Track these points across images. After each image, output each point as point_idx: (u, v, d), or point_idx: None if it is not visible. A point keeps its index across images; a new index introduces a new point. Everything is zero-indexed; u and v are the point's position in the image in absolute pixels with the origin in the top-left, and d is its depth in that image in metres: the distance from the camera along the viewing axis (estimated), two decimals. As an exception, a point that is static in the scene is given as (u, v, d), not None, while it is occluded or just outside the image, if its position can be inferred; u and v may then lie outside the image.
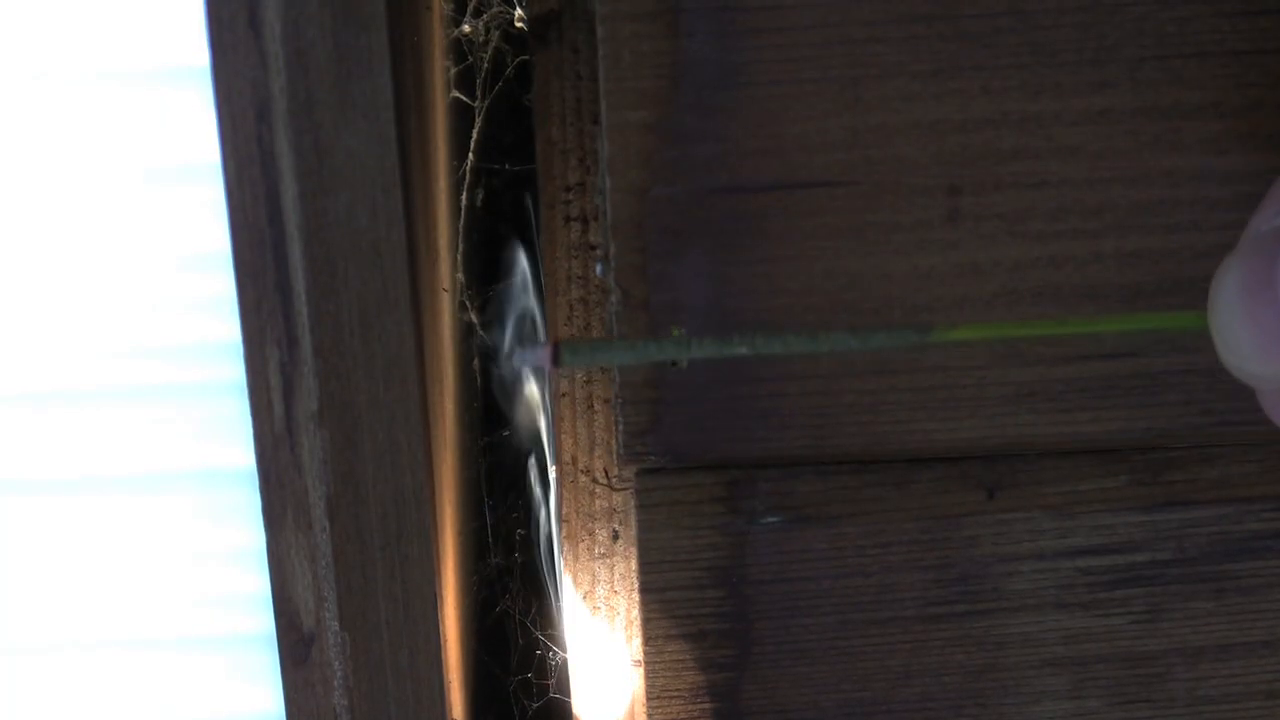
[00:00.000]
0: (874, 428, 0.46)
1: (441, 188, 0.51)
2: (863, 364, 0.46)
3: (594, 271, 0.48)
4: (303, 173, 0.43)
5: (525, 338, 0.51)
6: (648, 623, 0.48)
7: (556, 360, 0.32)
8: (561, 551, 0.51)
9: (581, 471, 0.50)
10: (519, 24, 0.50)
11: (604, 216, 0.46)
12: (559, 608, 0.53)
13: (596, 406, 0.49)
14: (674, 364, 0.46)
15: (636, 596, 0.49)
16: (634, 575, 0.50)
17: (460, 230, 0.53)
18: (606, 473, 0.50)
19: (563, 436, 0.50)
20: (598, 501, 0.50)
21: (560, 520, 0.51)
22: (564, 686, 0.54)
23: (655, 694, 0.49)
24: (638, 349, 0.35)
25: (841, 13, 0.43)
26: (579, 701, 0.53)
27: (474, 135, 0.51)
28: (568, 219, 0.48)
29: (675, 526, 0.48)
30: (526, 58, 0.49)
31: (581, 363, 0.32)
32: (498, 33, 0.51)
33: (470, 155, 0.52)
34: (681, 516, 0.48)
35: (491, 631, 0.57)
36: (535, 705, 0.56)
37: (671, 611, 0.48)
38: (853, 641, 0.49)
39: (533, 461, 0.54)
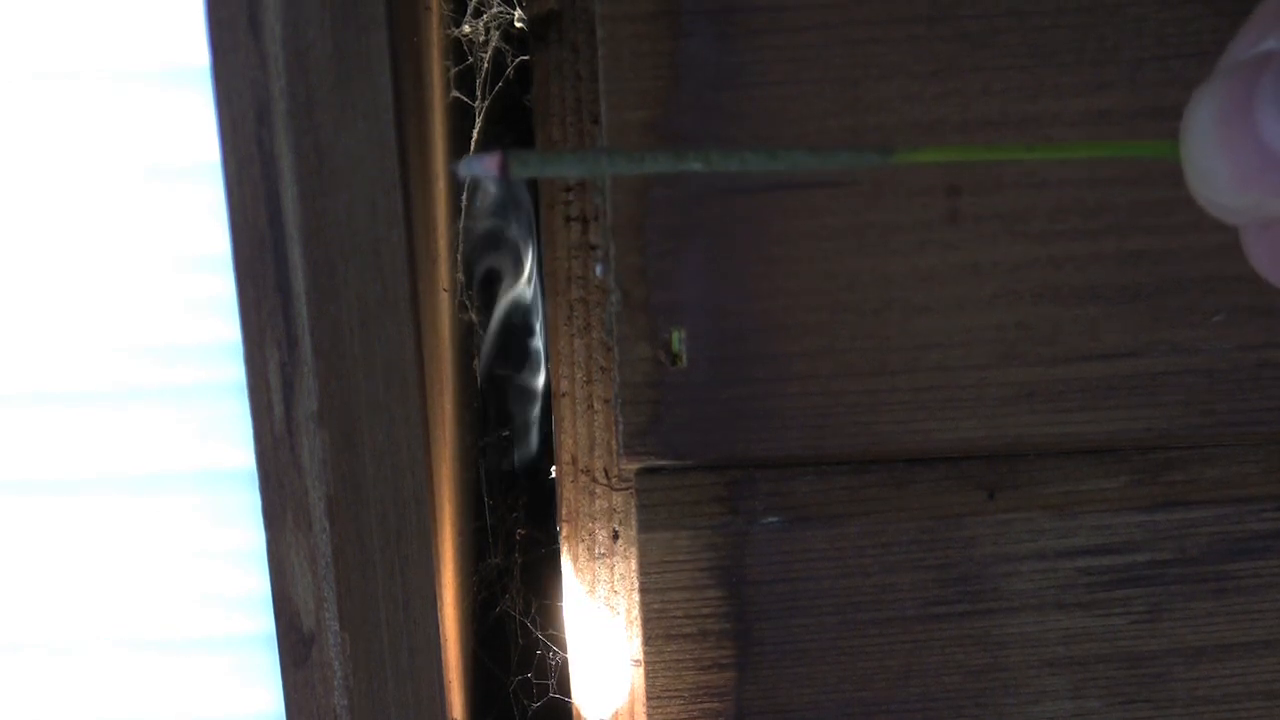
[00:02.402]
0: (874, 428, 0.46)
1: (441, 188, 0.51)
2: (862, 365, 0.46)
3: (594, 272, 0.48)
4: (303, 173, 0.43)
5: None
6: (648, 623, 0.48)
7: (504, 170, 0.30)
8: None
9: (581, 471, 0.50)
10: (519, 24, 0.50)
11: (604, 217, 0.46)
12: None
13: (596, 406, 0.49)
14: (674, 362, 0.46)
15: (636, 596, 0.49)
16: (634, 575, 0.50)
17: (460, 231, 0.53)
18: (606, 472, 0.50)
19: (563, 436, 0.50)
20: (598, 501, 0.50)
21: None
22: (564, 686, 0.54)
23: (655, 694, 0.49)
24: (587, 161, 0.34)
25: (841, 13, 0.43)
26: (579, 701, 0.53)
27: (474, 135, 0.51)
28: (568, 219, 0.48)
29: (675, 526, 0.48)
30: (526, 58, 0.49)
31: (530, 173, 0.30)
32: (497, 33, 0.51)
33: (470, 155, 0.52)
34: (681, 516, 0.48)
35: (491, 632, 0.57)
36: (535, 705, 0.56)
37: (671, 611, 0.48)
38: (853, 641, 0.49)
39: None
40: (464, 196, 0.52)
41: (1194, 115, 0.29)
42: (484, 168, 0.30)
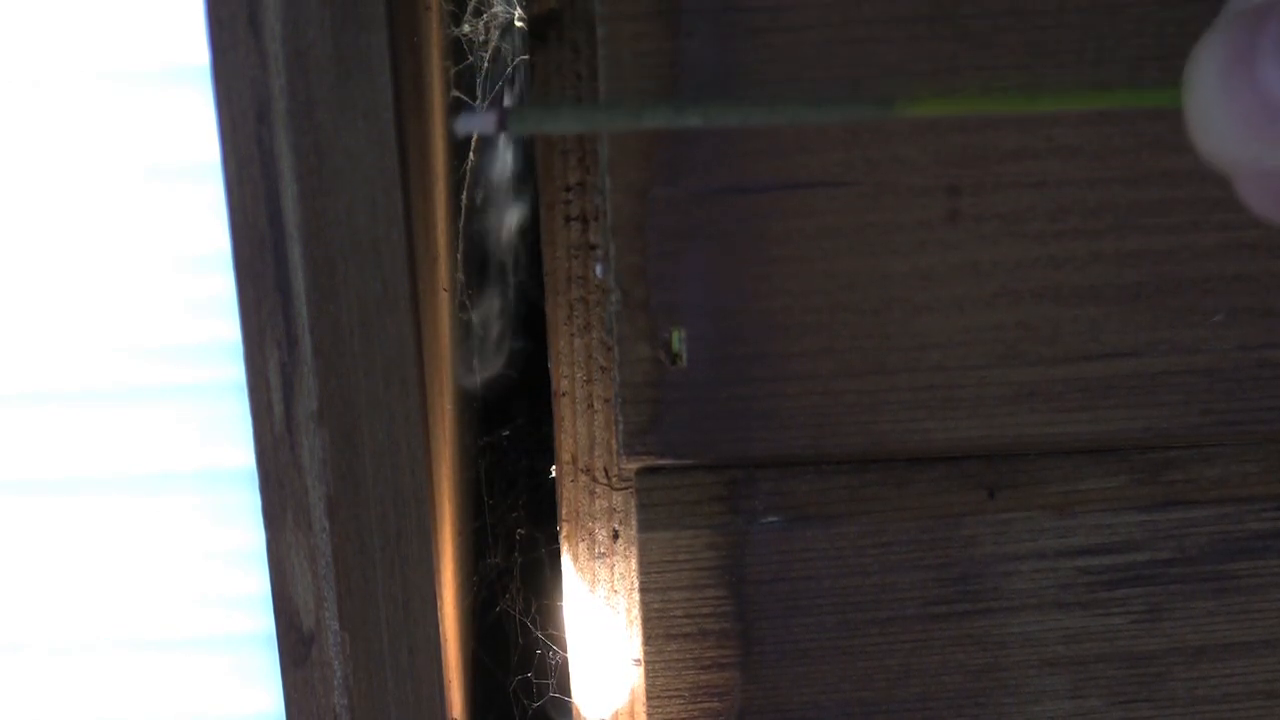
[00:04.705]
0: (874, 428, 0.46)
1: (441, 188, 0.51)
2: (862, 365, 0.46)
3: (594, 272, 0.48)
4: (302, 173, 0.43)
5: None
6: (648, 622, 0.48)
7: (504, 126, 0.30)
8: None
9: (582, 471, 0.50)
10: (519, 23, 0.50)
11: (604, 217, 0.46)
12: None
13: (596, 406, 0.49)
14: (674, 361, 0.46)
15: (637, 596, 0.49)
16: (634, 575, 0.50)
17: (460, 230, 0.53)
18: (606, 472, 0.50)
19: (563, 436, 0.50)
20: (598, 501, 0.50)
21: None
22: (564, 686, 0.54)
23: (655, 693, 0.49)
24: (585, 116, 0.33)
25: (842, 13, 0.43)
26: (579, 701, 0.53)
27: (474, 135, 0.51)
28: (568, 219, 0.48)
29: (675, 526, 0.48)
30: (527, 57, 0.49)
31: (529, 129, 0.29)
32: (497, 32, 0.51)
33: (470, 155, 0.52)
34: (682, 516, 0.48)
35: (491, 631, 0.57)
36: (535, 705, 0.56)
37: (671, 611, 0.48)
38: (853, 641, 0.49)
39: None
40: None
41: (1196, 65, 0.29)
42: (483, 124, 0.30)
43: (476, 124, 0.30)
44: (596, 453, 0.50)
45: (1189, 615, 0.49)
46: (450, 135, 0.51)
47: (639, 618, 0.49)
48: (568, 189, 0.48)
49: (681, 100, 0.30)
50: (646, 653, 0.49)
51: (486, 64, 0.51)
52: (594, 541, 0.51)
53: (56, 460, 0.50)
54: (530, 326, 0.55)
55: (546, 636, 0.56)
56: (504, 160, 0.53)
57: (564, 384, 0.49)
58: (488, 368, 0.55)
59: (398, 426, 0.46)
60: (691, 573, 0.48)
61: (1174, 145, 0.44)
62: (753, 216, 0.44)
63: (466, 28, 0.50)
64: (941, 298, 0.45)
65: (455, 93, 0.51)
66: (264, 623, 0.50)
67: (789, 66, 0.43)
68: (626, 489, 0.50)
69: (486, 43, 0.51)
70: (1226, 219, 0.44)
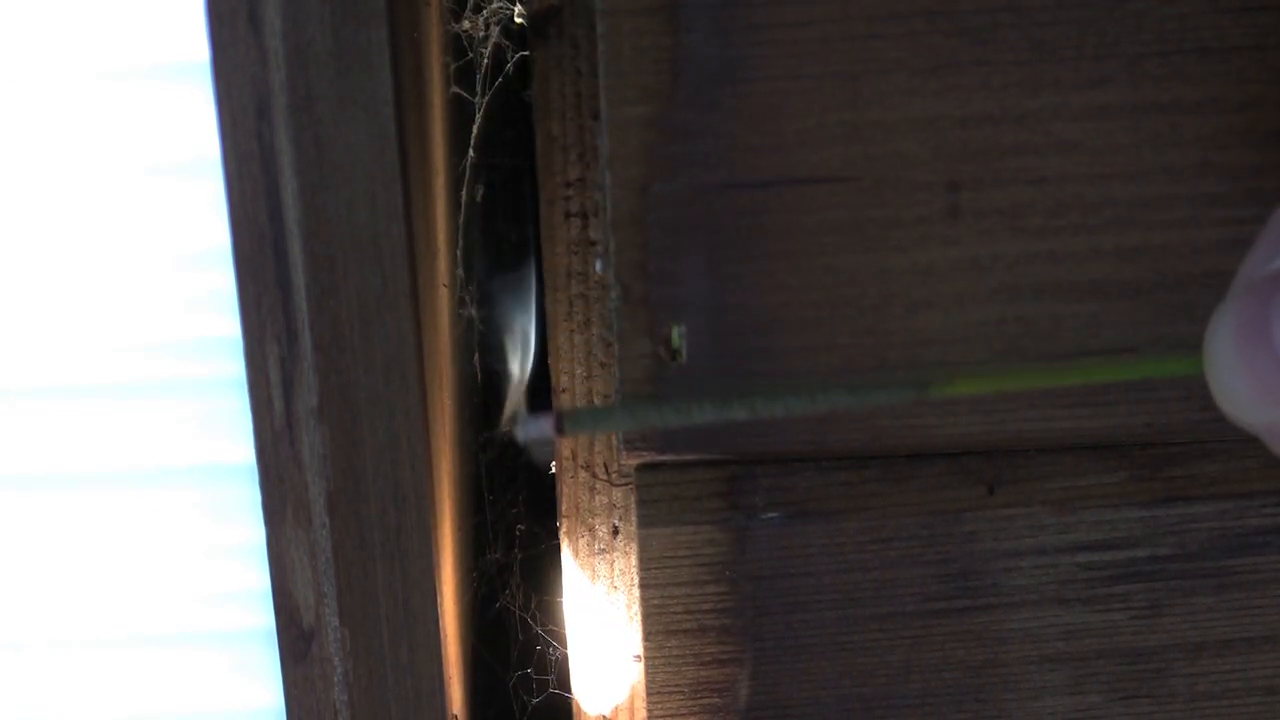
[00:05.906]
0: (874, 423, 0.46)
1: (441, 183, 0.51)
2: (862, 360, 0.46)
3: (594, 267, 0.48)
4: (302, 168, 0.43)
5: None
6: (648, 618, 0.48)
7: (560, 430, 0.33)
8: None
9: (581, 467, 0.50)
10: (519, 19, 0.50)
11: (604, 212, 0.46)
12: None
13: (596, 401, 0.49)
14: (674, 357, 0.46)
15: (637, 592, 0.49)
16: (634, 571, 0.50)
17: (460, 226, 0.53)
18: (606, 468, 0.50)
19: (563, 432, 0.50)
20: (598, 497, 0.50)
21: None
22: (564, 682, 0.55)
23: (655, 689, 0.49)
24: (637, 415, 0.36)
25: (842, 8, 0.43)
26: (579, 697, 0.53)
27: (474, 131, 0.51)
28: (568, 214, 0.48)
29: (675, 522, 0.48)
30: (526, 53, 0.49)
31: (583, 431, 0.33)
32: (497, 28, 0.51)
33: (470, 151, 0.52)
34: (682, 512, 0.48)
35: (491, 627, 0.57)
36: (535, 701, 0.56)
37: (671, 607, 0.48)
38: (853, 637, 0.49)
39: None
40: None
41: (1214, 334, 0.30)
42: (542, 429, 0.33)
43: (536, 429, 0.33)
44: (596, 449, 0.50)
45: (1189, 611, 0.49)
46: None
47: (639, 613, 0.49)
48: (568, 184, 0.48)
49: (728, 394, 0.33)
50: (646, 648, 0.49)
51: (486, 60, 0.51)
52: (594, 537, 0.51)
53: (56, 456, 0.50)
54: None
55: (547, 632, 0.56)
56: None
57: (564, 380, 0.49)
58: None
59: (398, 422, 0.46)
60: (692, 568, 0.48)
61: (1173, 140, 0.44)
62: (753, 212, 0.44)
63: (466, 23, 0.50)
64: (941, 293, 0.45)
65: (455, 88, 0.51)
66: (264, 618, 0.50)
67: (788, 62, 0.43)
68: (626, 485, 0.50)
69: (486, 39, 0.51)
70: (1226, 215, 0.44)
